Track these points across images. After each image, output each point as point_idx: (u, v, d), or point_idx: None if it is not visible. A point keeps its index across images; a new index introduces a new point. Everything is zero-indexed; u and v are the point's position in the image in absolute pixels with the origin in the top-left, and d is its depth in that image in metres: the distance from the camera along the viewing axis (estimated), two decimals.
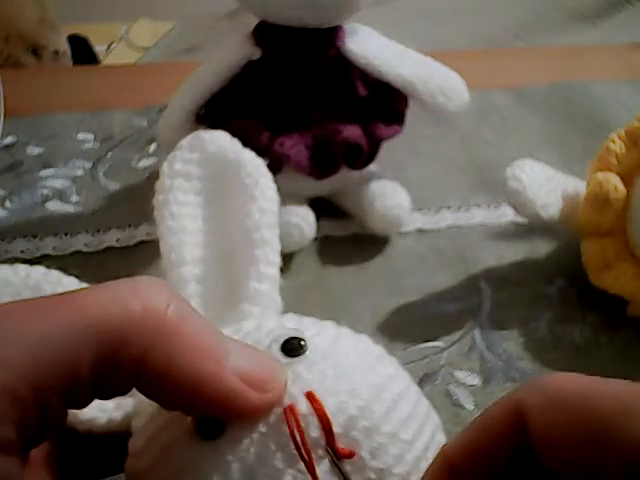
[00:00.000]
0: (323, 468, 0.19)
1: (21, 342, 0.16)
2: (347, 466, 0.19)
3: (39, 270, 0.25)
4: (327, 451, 0.19)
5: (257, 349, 0.20)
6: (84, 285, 0.25)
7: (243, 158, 0.26)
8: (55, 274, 0.25)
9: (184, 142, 0.26)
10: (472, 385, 0.34)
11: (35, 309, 0.17)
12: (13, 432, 0.16)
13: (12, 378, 0.16)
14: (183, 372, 0.18)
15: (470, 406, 0.33)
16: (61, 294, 0.18)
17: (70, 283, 0.25)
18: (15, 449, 0.16)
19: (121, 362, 0.17)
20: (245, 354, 0.19)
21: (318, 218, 0.41)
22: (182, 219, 0.25)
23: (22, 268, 0.25)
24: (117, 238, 0.42)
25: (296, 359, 0.20)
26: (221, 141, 0.26)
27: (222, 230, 0.26)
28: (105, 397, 0.18)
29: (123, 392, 0.18)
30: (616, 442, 0.16)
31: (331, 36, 0.39)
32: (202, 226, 0.25)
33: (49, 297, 0.18)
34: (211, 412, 0.19)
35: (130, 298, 0.18)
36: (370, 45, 0.40)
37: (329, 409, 0.19)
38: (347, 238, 0.43)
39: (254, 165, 0.26)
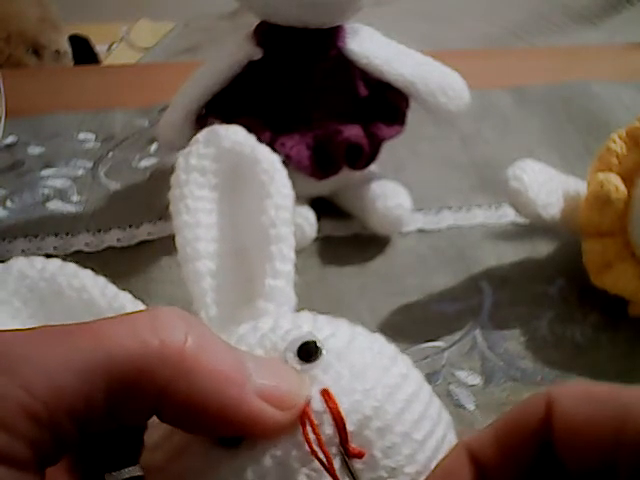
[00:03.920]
0: (335, 465, 0.19)
1: (40, 365, 0.17)
2: (359, 464, 0.19)
3: (55, 263, 0.25)
4: (339, 450, 0.19)
5: (277, 364, 0.20)
6: (100, 278, 0.26)
7: (258, 154, 0.26)
8: (71, 267, 0.26)
9: (200, 137, 0.26)
10: (473, 385, 0.34)
11: (57, 335, 0.18)
12: (28, 449, 0.16)
13: (29, 398, 0.16)
14: (206, 401, 0.18)
15: (471, 406, 0.33)
16: (82, 323, 0.18)
17: (86, 276, 0.25)
18: (30, 466, 0.17)
19: (140, 395, 0.18)
20: (266, 372, 0.19)
21: (319, 218, 0.41)
22: (197, 213, 0.25)
23: (38, 261, 0.25)
24: (118, 238, 0.42)
25: (312, 364, 0.20)
26: (237, 136, 0.26)
27: (237, 225, 0.26)
28: (124, 423, 0.19)
29: (142, 421, 0.19)
30: (636, 428, 0.16)
31: (332, 36, 0.39)
32: (217, 221, 0.25)
33: (70, 325, 0.18)
34: (234, 434, 0.19)
35: (148, 333, 0.18)
36: (371, 45, 0.40)
37: (343, 408, 0.19)
38: (348, 238, 0.43)
39: (269, 161, 0.26)
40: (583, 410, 0.18)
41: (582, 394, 0.18)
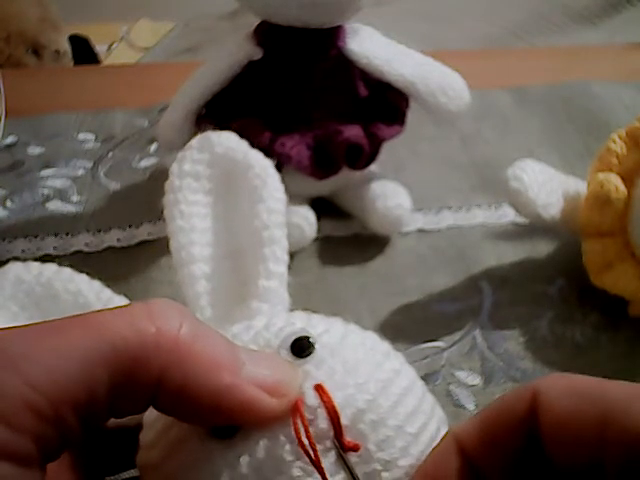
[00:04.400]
0: (330, 459, 0.19)
1: (40, 361, 0.17)
2: (354, 457, 0.19)
3: (51, 268, 0.26)
4: (334, 444, 0.19)
5: (270, 355, 0.21)
6: (95, 283, 0.26)
7: (251, 159, 0.26)
8: (67, 272, 0.26)
9: (193, 143, 0.27)
10: (473, 385, 0.34)
11: (52, 330, 0.18)
12: (33, 445, 0.16)
13: (33, 394, 0.16)
14: (200, 388, 0.18)
15: (471, 406, 0.33)
16: (77, 316, 0.18)
17: (82, 280, 0.26)
18: (34, 462, 0.17)
19: (138, 383, 0.18)
20: (259, 362, 0.20)
21: (319, 218, 0.41)
22: (192, 218, 0.25)
23: (34, 266, 0.26)
24: (118, 238, 0.42)
25: (306, 359, 0.21)
26: (229, 142, 0.27)
27: (231, 229, 0.26)
28: (121, 416, 0.19)
29: (140, 411, 0.19)
30: (620, 424, 0.16)
31: (332, 36, 0.39)
32: (211, 225, 0.26)
33: (66, 319, 0.18)
34: (230, 422, 0.19)
35: (144, 321, 0.18)
36: (371, 45, 0.40)
37: (337, 402, 0.20)
38: (348, 238, 0.43)
39: (262, 166, 0.26)
40: (567, 404, 0.17)
41: (566, 387, 0.18)
